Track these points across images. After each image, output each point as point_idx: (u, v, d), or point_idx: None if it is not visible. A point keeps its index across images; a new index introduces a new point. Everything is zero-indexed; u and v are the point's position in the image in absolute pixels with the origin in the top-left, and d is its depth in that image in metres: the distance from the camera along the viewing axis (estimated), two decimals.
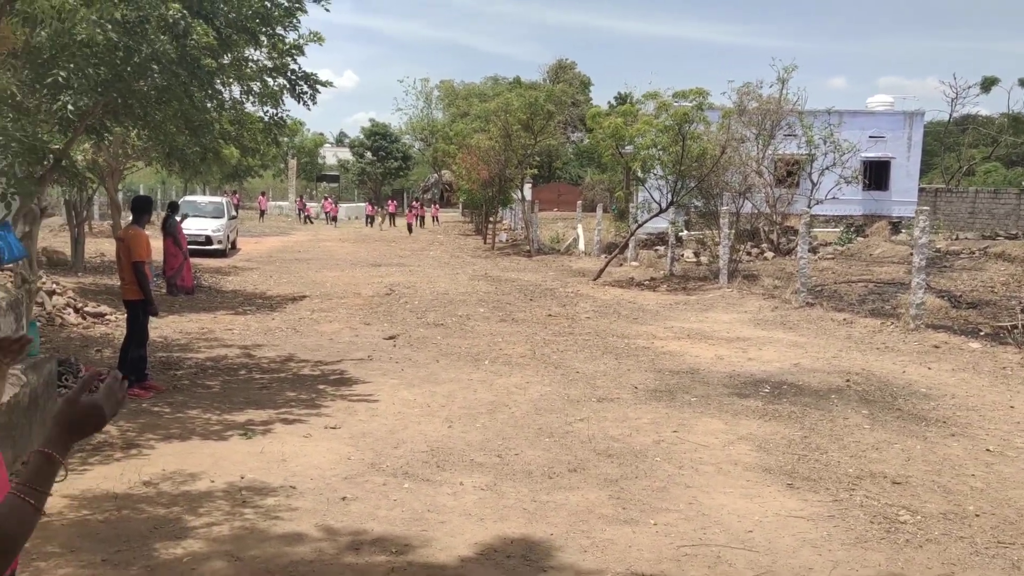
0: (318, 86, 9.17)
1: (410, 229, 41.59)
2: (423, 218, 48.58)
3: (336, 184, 71.07)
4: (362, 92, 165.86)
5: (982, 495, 5.82)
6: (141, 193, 37.71)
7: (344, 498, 5.50)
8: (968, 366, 10.08)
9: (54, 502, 5.20)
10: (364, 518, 5.17)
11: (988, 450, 6.85)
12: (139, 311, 8.40)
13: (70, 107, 7.39)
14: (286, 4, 8.66)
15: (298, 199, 54.29)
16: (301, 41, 8.89)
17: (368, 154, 66.14)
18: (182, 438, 6.78)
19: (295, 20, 8.76)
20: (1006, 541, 5.03)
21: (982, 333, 11.97)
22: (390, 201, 54.18)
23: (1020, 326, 11.94)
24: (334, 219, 47.76)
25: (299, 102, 9.02)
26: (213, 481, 5.75)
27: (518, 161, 30.07)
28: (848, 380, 9.28)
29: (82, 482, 5.61)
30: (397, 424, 7.38)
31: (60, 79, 7.11)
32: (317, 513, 5.23)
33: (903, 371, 9.81)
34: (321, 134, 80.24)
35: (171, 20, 7.35)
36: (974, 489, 5.94)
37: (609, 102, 58.56)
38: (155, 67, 7.61)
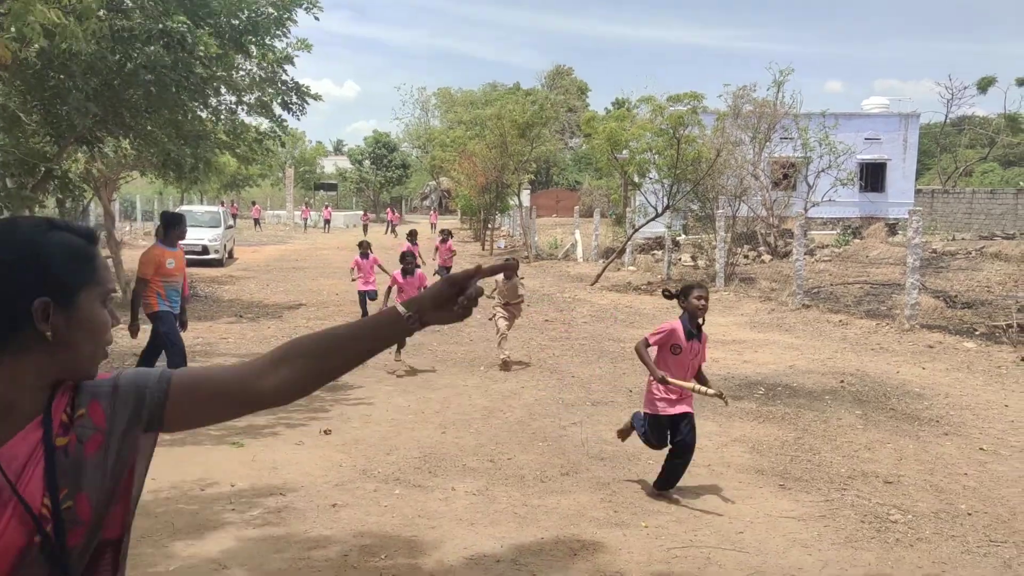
0: (308, 98, 9.19)
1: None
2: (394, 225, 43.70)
3: (334, 193, 71.14)
4: (363, 102, 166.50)
5: (974, 494, 5.81)
6: (135, 202, 37.58)
7: (334, 505, 5.49)
8: (963, 365, 10.07)
9: None
10: (354, 525, 5.16)
11: (981, 449, 6.84)
12: (158, 324, 8.36)
13: (73, 116, 7.36)
14: (276, 14, 8.68)
15: (304, 207, 53.66)
16: (290, 50, 8.90)
17: (367, 163, 66.30)
18: (173, 446, 6.76)
19: (285, 29, 8.78)
20: (998, 540, 5.02)
21: (977, 333, 11.96)
22: (388, 210, 54.05)
23: (1015, 325, 11.93)
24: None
25: (288, 112, 9.05)
26: (203, 490, 5.73)
27: (515, 167, 30.10)
28: (842, 381, 9.27)
29: None
30: (390, 431, 7.37)
31: (49, 88, 7.13)
32: (306, 520, 5.22)
33: (897, 371, 9.80)
34: (320, 143, 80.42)
35: (177, 35, 7.32)
36: (966, 488, 5.93)
37: (607, 108, 58.69)
38: (148, 77, 7.61)
